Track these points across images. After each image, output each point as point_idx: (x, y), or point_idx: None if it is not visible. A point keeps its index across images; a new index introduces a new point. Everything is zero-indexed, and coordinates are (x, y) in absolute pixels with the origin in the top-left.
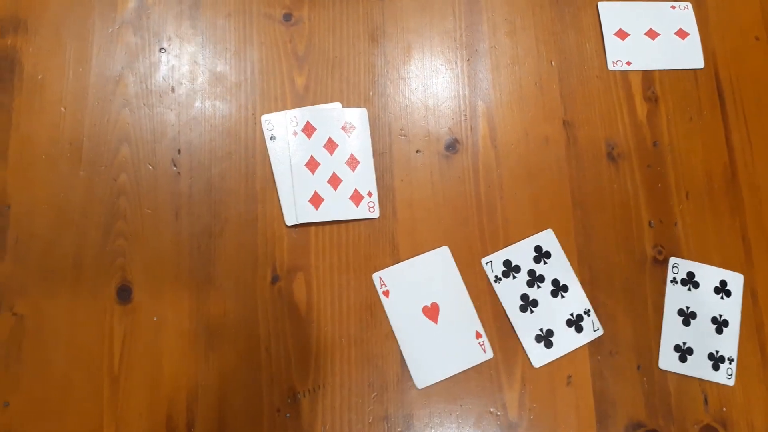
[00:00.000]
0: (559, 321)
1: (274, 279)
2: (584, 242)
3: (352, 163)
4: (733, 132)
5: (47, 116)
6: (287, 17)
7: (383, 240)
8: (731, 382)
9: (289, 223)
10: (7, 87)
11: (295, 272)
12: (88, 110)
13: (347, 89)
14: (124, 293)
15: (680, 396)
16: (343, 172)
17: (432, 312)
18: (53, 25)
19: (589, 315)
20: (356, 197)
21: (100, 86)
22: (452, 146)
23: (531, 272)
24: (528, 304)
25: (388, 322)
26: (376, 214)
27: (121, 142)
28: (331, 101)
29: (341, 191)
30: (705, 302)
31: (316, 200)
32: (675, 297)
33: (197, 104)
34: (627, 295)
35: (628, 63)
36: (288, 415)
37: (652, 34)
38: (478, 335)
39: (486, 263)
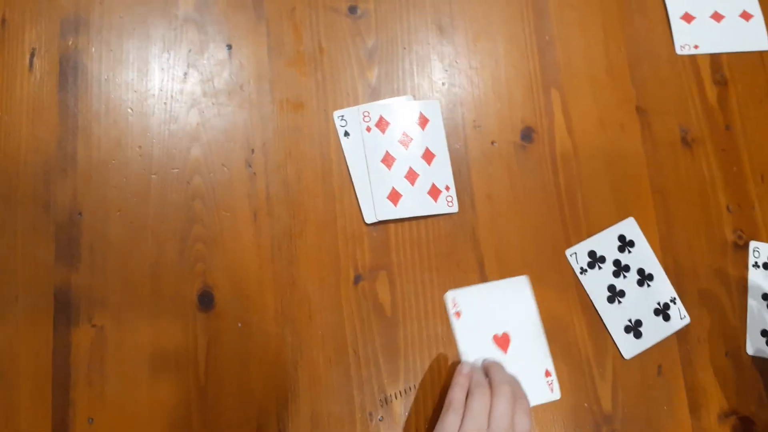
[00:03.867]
0: (646, 310)
1: (357, 279)
2: (666, 229)
3: (428, 156)
4: None
5: (114, 118)
6: (353, 10)
7: (464, 234)
8: None
9: (368, 221)
10: (72, 89)
11: (377, 271)
12: (156, 111)
13: (418, 81)
14: (206, 299)
15: None
16: (420, 166)
17: (503, 341)
18: (115, 23)
19: (675, 303)
20: (434, 192)
21: (167, 86)
22: (528, 136)
23: (616, 262)
24: (615, 294)
25: None
26: (455, 209)
27: (192, 143)
28: (402, 94)
29: (419, 186)
30: None
31: (394, 197)
32: (758, 281)
33: (267, 101)
34: (710, 281)
35: (696, 47)
36: (381, 418)
37: (717, 16)
38: (548, 374)
39: (570, 255)
